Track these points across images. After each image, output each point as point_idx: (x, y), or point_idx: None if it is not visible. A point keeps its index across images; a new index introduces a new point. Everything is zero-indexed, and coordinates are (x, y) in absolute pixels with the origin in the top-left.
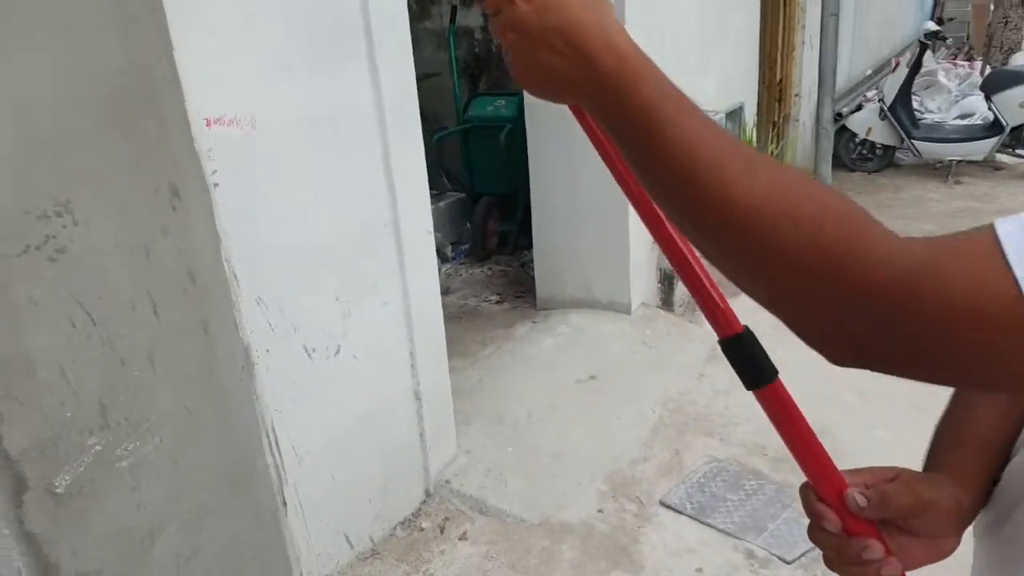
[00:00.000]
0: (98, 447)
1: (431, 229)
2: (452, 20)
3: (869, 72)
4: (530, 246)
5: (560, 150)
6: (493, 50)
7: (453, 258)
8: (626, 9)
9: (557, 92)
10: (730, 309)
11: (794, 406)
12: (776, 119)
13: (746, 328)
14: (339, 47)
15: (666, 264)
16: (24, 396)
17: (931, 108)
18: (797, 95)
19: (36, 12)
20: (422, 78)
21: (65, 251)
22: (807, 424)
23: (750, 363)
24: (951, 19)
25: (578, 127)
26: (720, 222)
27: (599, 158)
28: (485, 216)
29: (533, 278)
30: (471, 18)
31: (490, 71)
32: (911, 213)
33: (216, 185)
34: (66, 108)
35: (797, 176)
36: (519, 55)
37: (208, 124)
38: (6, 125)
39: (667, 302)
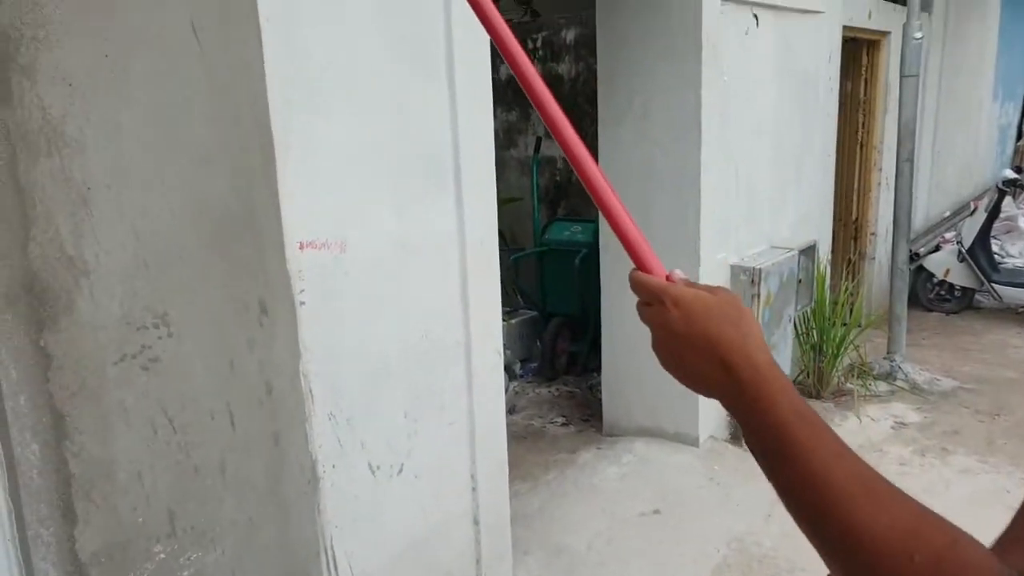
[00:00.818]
0: (162, 555)
1: (501, 350)
2: (536, 150)
3: (947, 214)
4: (599, 369)
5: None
6: (572, 180)
7: (521, 376)
8: (702, 150)
9: (696, 386)
10: None
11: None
12: (852, 257)
13: None
14: (429, 180)
15: None
16: (102, 499)
17: (1012, 253)
18: (873, 234)
19: (161, 143)
20: (504, 202)
21: (158, 360)
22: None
23: None
24: None
25: (655, 247)
26: (844, 548)
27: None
28: (555, 336)
29: (600, 402)
30: (554, 149)
31: (568, 198)
32: (991, 358)
33: (303, 304)
34: (175, 230)
35: (923, 512)
36: (664, 347)
37: (301, 247)
38: (124, 246)
39: (736, 436)
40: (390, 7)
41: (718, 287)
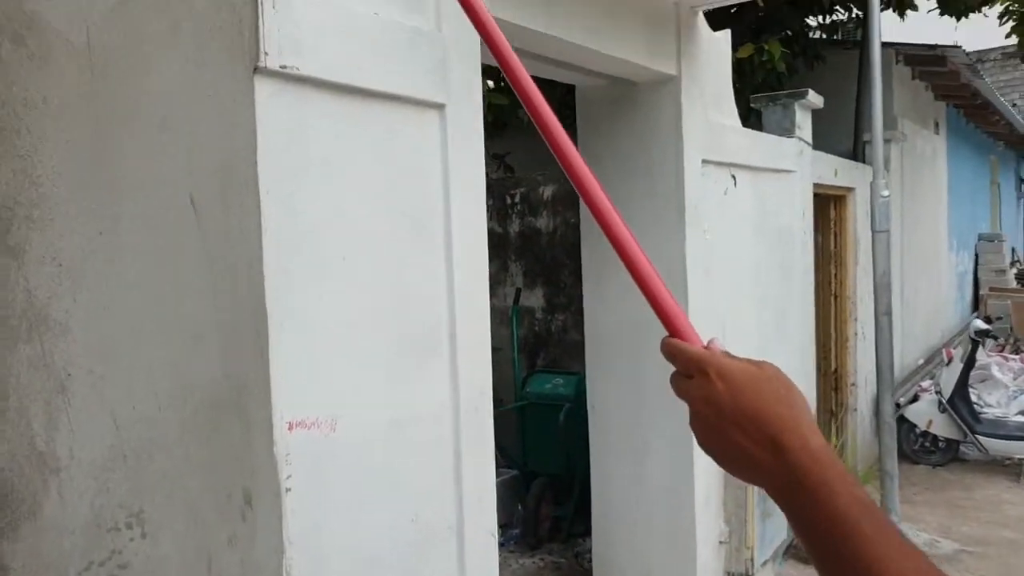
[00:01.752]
0: None
1: (495, 530)
2: (516, 300)
3: (921, 361)
4: (585, 534)
5: (623, 436)
6: (552, 330)
7: (502, 544)
8: (689, 307)
9: (740, 469)
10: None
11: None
12: (833, 408)
13: None
14: (424, 349)
15: (735, 567)
16: None
17: (990, 402)
18: (853, 384)
19: (151, 322)
20: None
21: (128, 567)
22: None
23: None
24: (998, 318)
25: (647, 409)
26: None
27: (665, 443)
28: (539, 499)
29: (589, 572)
30: (533, 299)
31: (549, 348)
32: (987, 516)
33: (288, 490)
34: (159, 417)
35: None
36: (705, 423)
37: (290, 428)
38: (101, 436)
39: None
40: (392, 182)
41: (763, 361)
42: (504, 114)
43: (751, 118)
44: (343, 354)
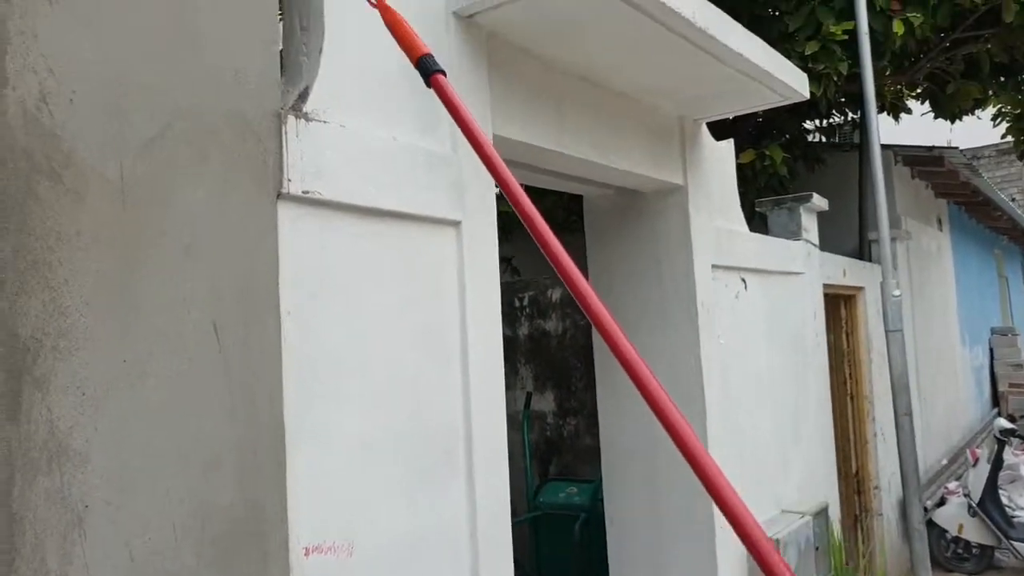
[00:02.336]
0: None
1: None
2: (527, 405)
3: (944, 462)
4: None
5: (643, 551)
6: (565, 435)
7: None
8: (707, 416)
9: None
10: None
11: None
12: (858, 513)
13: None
14: (441, 466)
15: None
16: None
17: (1021, 504)
18: (876, 488)
19: (171, 449)
20: None
21: None
22: None
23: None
24: (1022, 416)
25: (668, 522)
26: None
27: (687, 558)
28: None
29: None
30: (544, 403)
31: (562, 455)
32: None
33: None
34: (175, 548)
35: None
36: None
37: (307, 553)
38: (114, 571)
39: None
40: (410, 298)
41: None
42: (509, 220)
43: (755, 220)
44: (361, 474)
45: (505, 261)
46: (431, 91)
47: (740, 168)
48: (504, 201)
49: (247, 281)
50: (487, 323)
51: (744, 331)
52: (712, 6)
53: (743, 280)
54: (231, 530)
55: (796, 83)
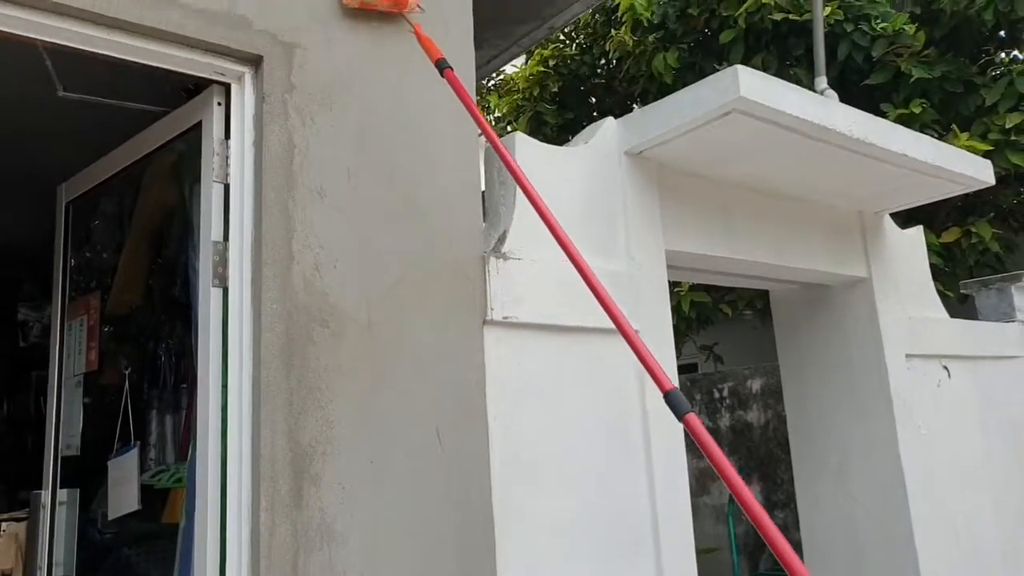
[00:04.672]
0: None
1: None
2: (731, 500)
3: None
4: None
5: None
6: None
7: None
8: (911, 508)
9: None
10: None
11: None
12: None
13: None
14: (630, 551)
15: None
16: None
17: None
18: None
19: (406, 531)
20: (701, 551)
21: None
22: None
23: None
24: None
25: None
26: None
27: None
28: None
29: None
30: None
31: (765, 549)
32: None
33: None
34: None
35: None
36: None
37: None
38: None
39: None
40: (595, 400)
41: None
42: (706, 309)
43: (969, 303)
44: (557, 553)
45: (706, 349)
46: (608, 223)
47: (947, 247)
48: (696, 292)
49: (462, 393)
50: (668, 424)
51: (950, 421)
52: (867, 115)
53: (945, 368)
54: None
55: (976, 171)
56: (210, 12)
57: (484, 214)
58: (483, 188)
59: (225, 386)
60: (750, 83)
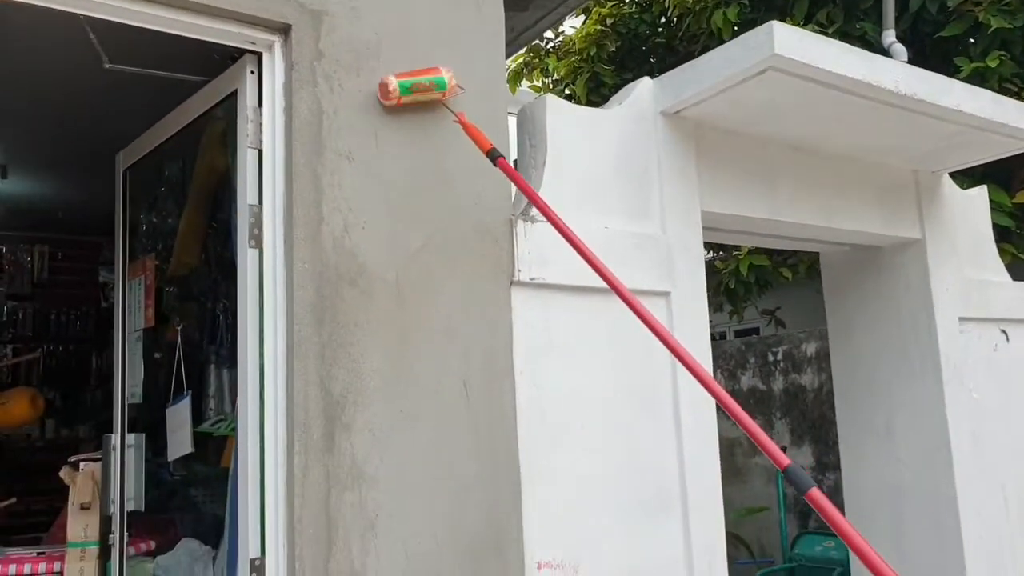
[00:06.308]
0: None
1: None
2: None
3: None
4: None
5: None
6: (824, 489)
7: None
8: (955, 472)
9: None
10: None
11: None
12: None
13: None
14: (657, 509)
15: None
16: None
17: None
18: None
19: (433, 478)
20: (750, 511)
21: None
22: None
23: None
24: None
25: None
26: None
27: None
28: None
29: None
30: (800, 457)
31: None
32: None
33: None
34: (436, 553)
35: None
36: None
37: (539, 567)
38: (396, 564)
39: None
40: (622, 362)
41: None
42: (765, 273)
43: None
44: (583, 507)
45: (768, 314)
46: (640, 184)
47: (1021, 208)
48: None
49: (489, 350)
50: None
51: (1007, 387)
52: (917, 70)
53: (1004, 332)
54: (478, 543)
55: None
56: None
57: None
58: (514, 152)
59: (262, 341)
60: (786, 39)
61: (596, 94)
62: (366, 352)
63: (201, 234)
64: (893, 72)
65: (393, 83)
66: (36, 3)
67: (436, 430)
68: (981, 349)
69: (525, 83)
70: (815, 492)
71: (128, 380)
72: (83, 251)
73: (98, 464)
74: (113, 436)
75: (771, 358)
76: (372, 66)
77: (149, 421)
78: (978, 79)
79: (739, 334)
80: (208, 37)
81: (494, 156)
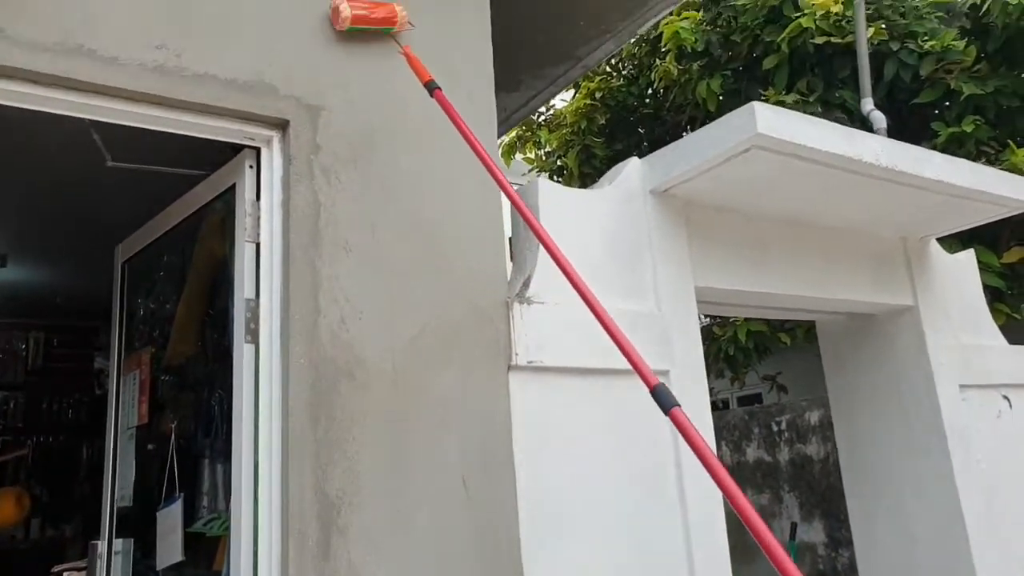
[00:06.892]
0: None
1: None
2: (792, 536)
3: None
4: None
5: None
6: (839, 567)
7: None
8: (971, 545)
9: None
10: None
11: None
12: None
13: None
14: None
15: None
16: None
17: None
18: None
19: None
20: None
21: None
22: None
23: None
24: None
25: None
26: None
27: None
28: None
29: None
30: (812, 533)
31: None
32: None
33: None
34: None
35: None
36: None
37: None
38: None
39: None
40: (624, 446)
41: None
42: (764, 339)
43: None
44: None
45: (769, 380)
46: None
47: (1010, 268)
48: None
49: (487, 440)
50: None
51: (1014, 452)
52: (896, 143)
53: (1006, 398)
54: None
55: (1021, 193)
56: (239, 82)
57: (512, 257)
58: (509, 233)
59: (257, 439)
60: (768, 119)
61: (588, 165)
62: (362, 449)
63: (198, 322)
64: (873, 145)
65: (346, 10)
66: (43, 109)
67: (435, 530)
68: (984, 417)
69: (519, 155)
70: (677, 411)
71: (118, 482)
72: (79, 336)
73: (83, 574)
74: (100, 543)
75: (775, 428)
76: (368, 158)
77: (140, 519)
78: (956, 144)
79: (742, 400)
80: (208, 135)
81: (431, 88)
